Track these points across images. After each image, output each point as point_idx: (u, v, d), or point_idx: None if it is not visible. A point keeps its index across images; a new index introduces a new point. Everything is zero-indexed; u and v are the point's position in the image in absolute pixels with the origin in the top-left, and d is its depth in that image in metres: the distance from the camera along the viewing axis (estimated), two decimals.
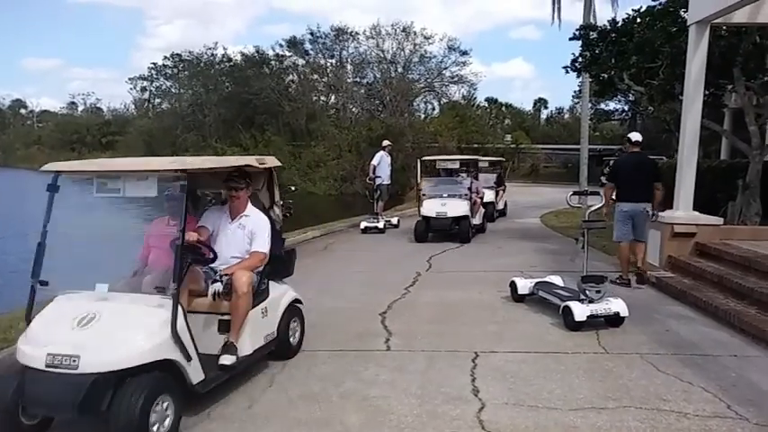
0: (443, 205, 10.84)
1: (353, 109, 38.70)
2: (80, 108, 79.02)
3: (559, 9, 25.18)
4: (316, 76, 39.76)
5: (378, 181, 12.67)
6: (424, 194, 11.48)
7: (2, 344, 4.75)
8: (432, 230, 10.89)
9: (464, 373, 4.36)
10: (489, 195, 13.79)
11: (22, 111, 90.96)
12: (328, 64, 39.53)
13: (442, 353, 4.81)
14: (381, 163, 12.95)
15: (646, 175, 7.16)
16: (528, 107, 58.40)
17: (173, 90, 48.83)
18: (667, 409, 3.73)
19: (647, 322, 5.65)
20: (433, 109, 42.36)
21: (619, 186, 7.15)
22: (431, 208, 10.92)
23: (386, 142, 13.89)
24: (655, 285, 7.22)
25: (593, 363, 4.57)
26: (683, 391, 4.02)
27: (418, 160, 12.98)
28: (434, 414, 3.67)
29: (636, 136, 7.44)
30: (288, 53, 40.22)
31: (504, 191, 16.22)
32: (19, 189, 34.33)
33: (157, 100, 53.36)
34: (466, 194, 11.10)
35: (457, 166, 12.82)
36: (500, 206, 15.51)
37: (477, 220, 11.57)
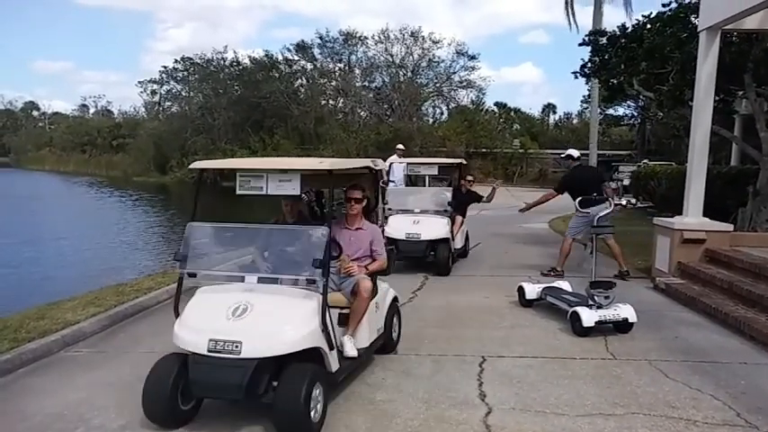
0: None
1: (362, 113, 38.85)
2: (91, 110, 79.94)
3: (574, 14, 25.22)
4: (324, 80, 39.94)
5: (391, 185, 12.64)
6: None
7: (12, 344, 4.78)
8: None
9: (471, 377, 4.35)
10: (439, 227, 8.33)
11: (35, 113, 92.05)
12: (337, 68, 39.72)
13: (449, 357, 4.80)
14: (392, 167, 12.92)
15: (596, 181, 7.95)
16: (537, 112, 58.24)
17: (183, 93, 49.12)
18: (676, 416, 3.70)
19: (656, 328, 5.61)
20: (442, 113, 42.53)
21: (577, 196, 7.58)
22: None
23: (400, 146, 13.80)
24: (664, 291, 7.19)
25: (601, 369, 4.55)
26: (691, 398, 3.99)
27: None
28: (441, 418, 3.67)
29: (575, 152, 8.54)
30: (297, 57, 40.48)
31: (464, 215, 9.42)
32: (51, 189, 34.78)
33: (167, 103, 53.70)
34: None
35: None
36: (458, 244, 9.02)
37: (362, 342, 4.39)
